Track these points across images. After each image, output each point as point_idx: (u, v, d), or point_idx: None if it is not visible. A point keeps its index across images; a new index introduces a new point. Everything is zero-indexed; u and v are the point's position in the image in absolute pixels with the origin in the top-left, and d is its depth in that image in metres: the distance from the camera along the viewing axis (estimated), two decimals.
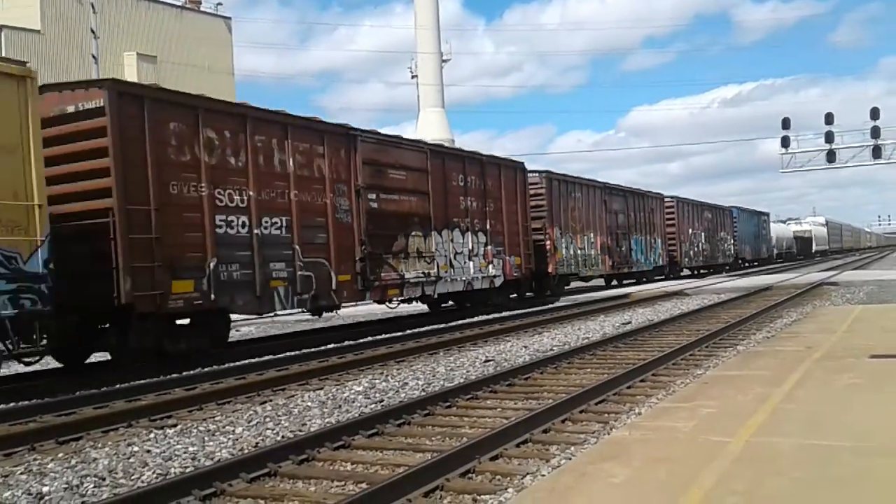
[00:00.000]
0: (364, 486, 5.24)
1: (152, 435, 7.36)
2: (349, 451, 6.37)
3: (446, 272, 18.51)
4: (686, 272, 42.30)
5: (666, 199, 37.87)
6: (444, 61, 69.90)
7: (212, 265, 11.97)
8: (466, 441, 6.06)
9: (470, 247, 19.58)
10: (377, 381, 9.96)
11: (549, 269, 24.24)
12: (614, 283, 33.83)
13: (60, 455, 6.71)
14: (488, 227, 20.41)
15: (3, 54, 36.98)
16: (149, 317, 11.13)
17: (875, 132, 38.13)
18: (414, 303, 19.27)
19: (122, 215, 10.71)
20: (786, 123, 40.14)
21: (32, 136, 9.74)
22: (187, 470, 5.94)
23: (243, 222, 12.66)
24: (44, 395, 9.51)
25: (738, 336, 12.74)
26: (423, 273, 17.54)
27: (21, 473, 6.10)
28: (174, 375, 10.83)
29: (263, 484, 5.55)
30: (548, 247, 24.28)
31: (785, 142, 40.20)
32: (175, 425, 7.78)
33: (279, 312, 14.90)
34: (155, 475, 5.89)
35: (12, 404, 9.19)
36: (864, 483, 4.36)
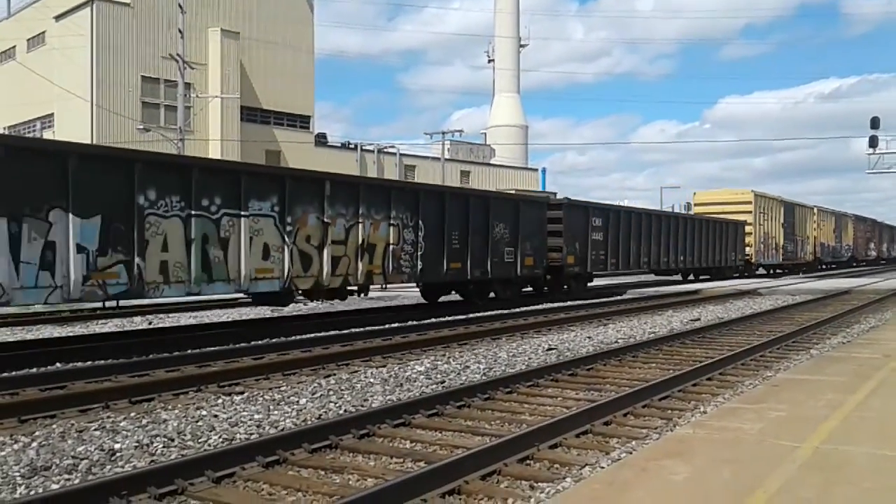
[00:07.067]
0: (422, 464, 5.29)
1: (220, 401, 7.58)
2: (409, 429, 6.43)
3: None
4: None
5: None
6: (521, 46, 69.18)
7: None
8: (526, 428, 6.06)
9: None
10: (439, 362, 10.03)
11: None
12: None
13: (133, 414, 6.98)
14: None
15: (95, 26, 38.22)
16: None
17: None
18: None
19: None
20: (875, 123, 38.43)
21: None
22: (252, 437, 6.10)
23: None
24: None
25: (811, 339, 12.35)
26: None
27: (95, 430, 6.36)
28: (242, 345, 11.13)
29: (324, 455, 5.66)
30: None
31: (873, 142, 38.51)
32: (242, 392, 7.99)
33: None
34: (221, 440, 6.07)
35: (89, 363, 9.61)
36: None
